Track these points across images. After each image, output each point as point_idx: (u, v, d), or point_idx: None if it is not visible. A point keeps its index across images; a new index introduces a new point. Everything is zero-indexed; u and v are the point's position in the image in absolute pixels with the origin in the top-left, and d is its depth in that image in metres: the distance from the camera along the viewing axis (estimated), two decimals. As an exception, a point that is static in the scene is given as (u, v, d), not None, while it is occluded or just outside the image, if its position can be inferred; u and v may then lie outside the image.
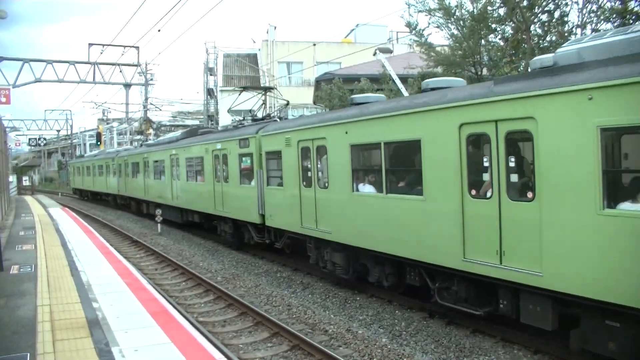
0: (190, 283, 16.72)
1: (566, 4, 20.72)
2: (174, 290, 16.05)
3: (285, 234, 17.52)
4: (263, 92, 23.32)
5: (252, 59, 59.19)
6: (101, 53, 47.08)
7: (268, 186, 17.96)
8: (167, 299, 12.91)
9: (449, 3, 23.09)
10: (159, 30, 62.33)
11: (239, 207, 20.12)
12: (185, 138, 27.75)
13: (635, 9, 17.01)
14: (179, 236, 27.04)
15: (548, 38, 21.76)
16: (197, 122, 66.74)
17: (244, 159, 19.67)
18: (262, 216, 18.42)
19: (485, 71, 23.87)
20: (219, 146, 21.62)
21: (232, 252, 21.68)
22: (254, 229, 19.70)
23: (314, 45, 45.52)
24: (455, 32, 23.80)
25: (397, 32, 53.02)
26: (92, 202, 53.33)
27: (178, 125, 67.17)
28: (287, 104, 23.16)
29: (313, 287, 15.60)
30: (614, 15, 17.96)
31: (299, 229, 15.87)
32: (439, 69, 24.34)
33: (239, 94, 22.16)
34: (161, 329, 9.50)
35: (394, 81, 19.48)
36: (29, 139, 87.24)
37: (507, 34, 23.10)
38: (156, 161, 31.53)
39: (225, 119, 49.65)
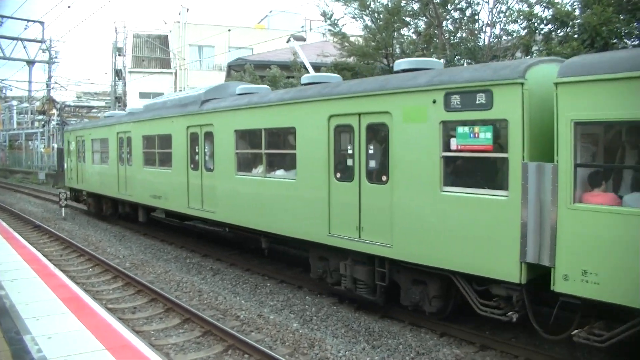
0: (98, 269, 16.34)
1: (477, 3, 21.53)
2: (80, 276, 15.59)
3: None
4: None
5: (163, 40, 58.07)
6: (0, 26, 44.85)
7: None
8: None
9: (365, -5, 23.41)
10: (69, 7, 59.77)
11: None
12: None
13: (540, 13, 17.86)
14: (84, 221, 26.27)
15: (459, 34, 22.54)
16: (103, 104, 64.84)
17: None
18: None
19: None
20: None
21: (140, 238, 21.40)
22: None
23: (229, 30, 45.15)
24: (370, 23, 24.23)
25: (311, 21, 53.32)
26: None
27: (83, 106, 65.09)
28: None
29: (223, 273, 15.65)
30: (521, 17, 18.78)
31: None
32: (352, 59, 24.72)
33: None
34: (74, 315, 9.37)
35: (306, 69, 19.63)
36: None
37: (420, 29, 23.72)
38: None
39: (133, 101, 48.52)
